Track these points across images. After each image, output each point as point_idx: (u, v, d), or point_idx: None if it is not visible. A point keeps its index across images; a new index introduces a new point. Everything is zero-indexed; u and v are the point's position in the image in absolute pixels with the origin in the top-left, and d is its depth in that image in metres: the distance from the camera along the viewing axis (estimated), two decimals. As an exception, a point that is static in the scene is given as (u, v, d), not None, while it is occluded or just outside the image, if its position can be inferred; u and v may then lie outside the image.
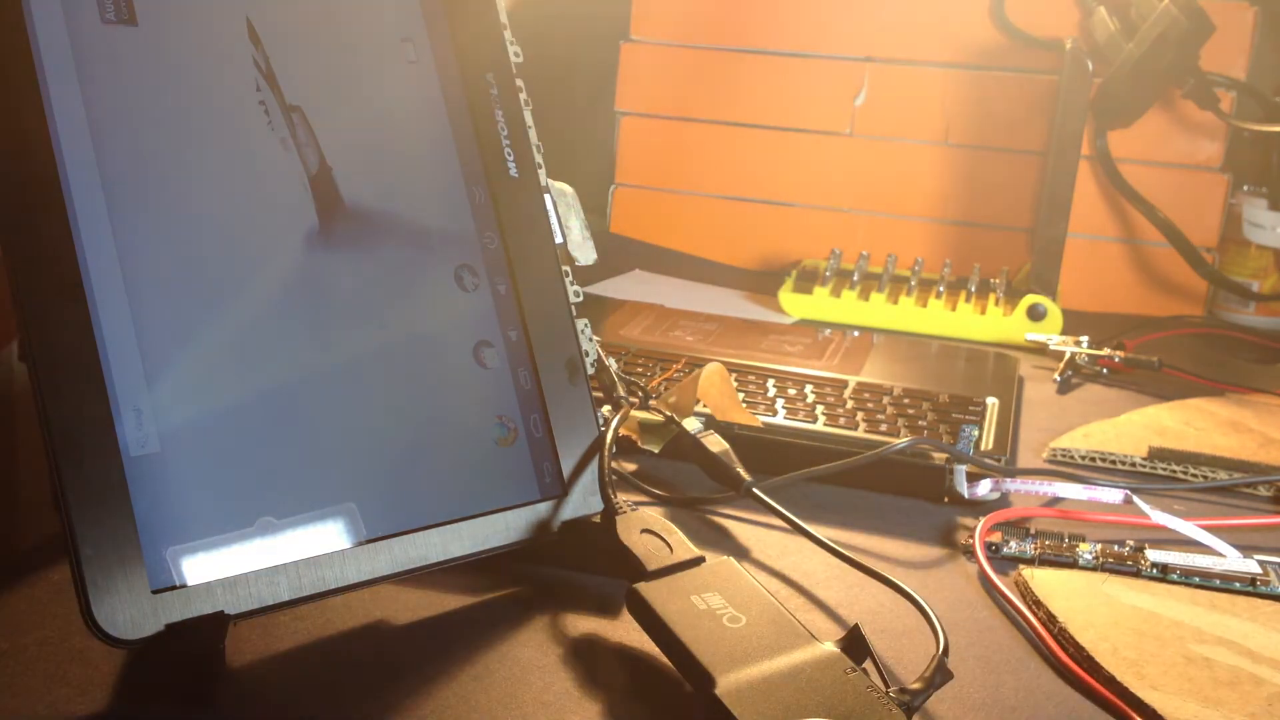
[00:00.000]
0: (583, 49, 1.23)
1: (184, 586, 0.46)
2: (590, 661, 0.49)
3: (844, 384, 0.79)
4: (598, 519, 0.55)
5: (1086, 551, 0.59)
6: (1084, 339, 0.94)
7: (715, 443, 0.63)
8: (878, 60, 1.13)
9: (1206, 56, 1.01)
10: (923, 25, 1.12)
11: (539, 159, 0.59)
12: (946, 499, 0.67)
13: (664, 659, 0.47)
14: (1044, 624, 0.53)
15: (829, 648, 0.45)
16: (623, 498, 0.55)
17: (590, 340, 0.59)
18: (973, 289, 1.05)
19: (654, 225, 1.21)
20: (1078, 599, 0.54)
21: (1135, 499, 0.63)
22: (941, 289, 1.04)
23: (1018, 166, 1.11)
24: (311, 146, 0.54)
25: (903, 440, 0.66)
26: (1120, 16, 1.04)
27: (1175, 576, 0.58)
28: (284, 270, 0.52)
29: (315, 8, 0.55)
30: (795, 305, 1.04)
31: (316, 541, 0.49)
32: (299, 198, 0.53)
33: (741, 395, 0.75)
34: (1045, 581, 0.56)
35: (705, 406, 0.70)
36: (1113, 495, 0.65)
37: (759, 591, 0.49)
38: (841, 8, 1.13)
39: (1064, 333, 0.97)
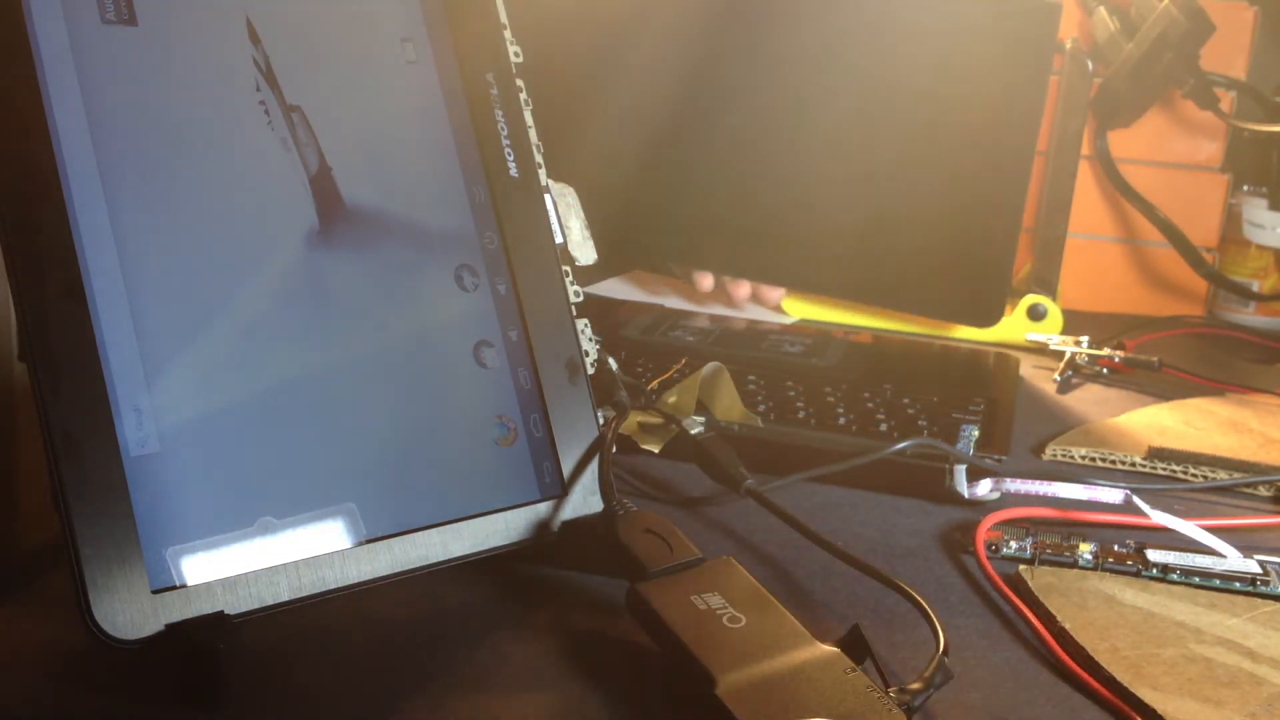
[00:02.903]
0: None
1: (184, 586, 0.46)
2: (590, 661, 0.49)
3: (843, 384, 0.79)
4: (598, 519, 0.55)
5: (1086, 551, 0.59)
6: (1084, 339, 0.94)
7: (715, 443, 0.63)
8: (878, 60, 1.12)
9: (1206, 56, 1.01)
10: (923, 25, 1.11)
11: (539, 159, 0.59)
12: (947, 499, 0.67)
13: (664, 659, 0.47)
14: (1044, 624, 0.53)
15: (829, 648, 0.45)
16: (623, 498, 0.55)
17: (590, 340, 0.59)
18: (973, 289, 1.04)
19: (654, 225, 1.21)
20: (1078, 599, 0.54)
21: (1135, 499, 0.63)
22: (941, 289, 1.04)
23: (1018, 166, 1.11)
24: (311, 146, 0.54)
25: (903, 440, 0.66)
26: (1120, 16, 1.04)
27: (1175, 576, 0.58)
28: (284, 270, 0.52)
29: (315, 8, 0.55)
30: (795, 305, 1.04)
31: (316, 541, 0.49)
32: (299, 198, 0.53)
33: (741, 395, 0.75)
34: (1045, 581, 0.56)
35: (705, 406, 0.70)
36: (1113, 495, 0.65)
37: (759, 591, 0.49)
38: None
39: (1064, 333, 0.97)
